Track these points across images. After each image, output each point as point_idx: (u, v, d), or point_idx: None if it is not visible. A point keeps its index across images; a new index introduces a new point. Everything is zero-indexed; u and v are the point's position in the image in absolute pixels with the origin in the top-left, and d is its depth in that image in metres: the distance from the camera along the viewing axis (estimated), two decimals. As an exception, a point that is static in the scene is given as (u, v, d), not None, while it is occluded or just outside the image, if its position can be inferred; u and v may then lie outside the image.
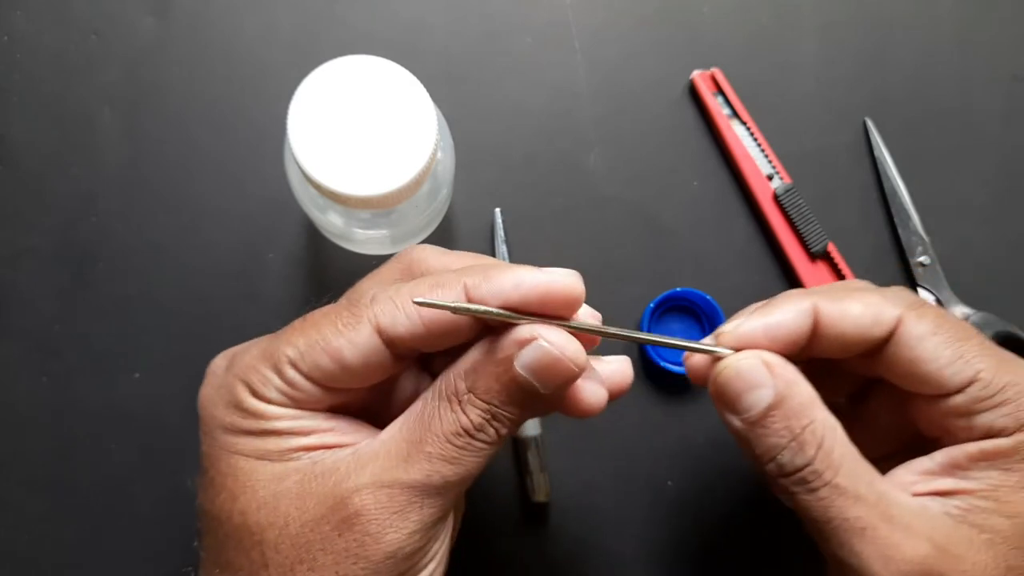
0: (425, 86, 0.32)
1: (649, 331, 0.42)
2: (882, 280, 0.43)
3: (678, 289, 0.42)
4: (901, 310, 0.28)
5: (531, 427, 0.40)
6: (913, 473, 0.29)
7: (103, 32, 0.43)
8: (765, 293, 0.43)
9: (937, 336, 0.28)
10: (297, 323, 0.28)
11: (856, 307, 0.28)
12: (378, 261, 0.41)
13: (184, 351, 0.41)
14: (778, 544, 0.41)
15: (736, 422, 0.28)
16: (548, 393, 0.27)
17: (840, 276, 0.43)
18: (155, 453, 0.40)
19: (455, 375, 0.27)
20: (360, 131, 0.31)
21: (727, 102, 0.44)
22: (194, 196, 0.42)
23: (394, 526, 0.26)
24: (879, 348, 0.29)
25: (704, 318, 0.42)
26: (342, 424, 0.28)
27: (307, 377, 0.27)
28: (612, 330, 0.28)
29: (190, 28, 0.43)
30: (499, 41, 0.44)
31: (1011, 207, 0.45)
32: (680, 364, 0.42)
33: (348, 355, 0.27)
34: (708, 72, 0.44)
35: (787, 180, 0.43)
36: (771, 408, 0.27)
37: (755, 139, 0.43)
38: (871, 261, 0.44)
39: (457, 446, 0.26)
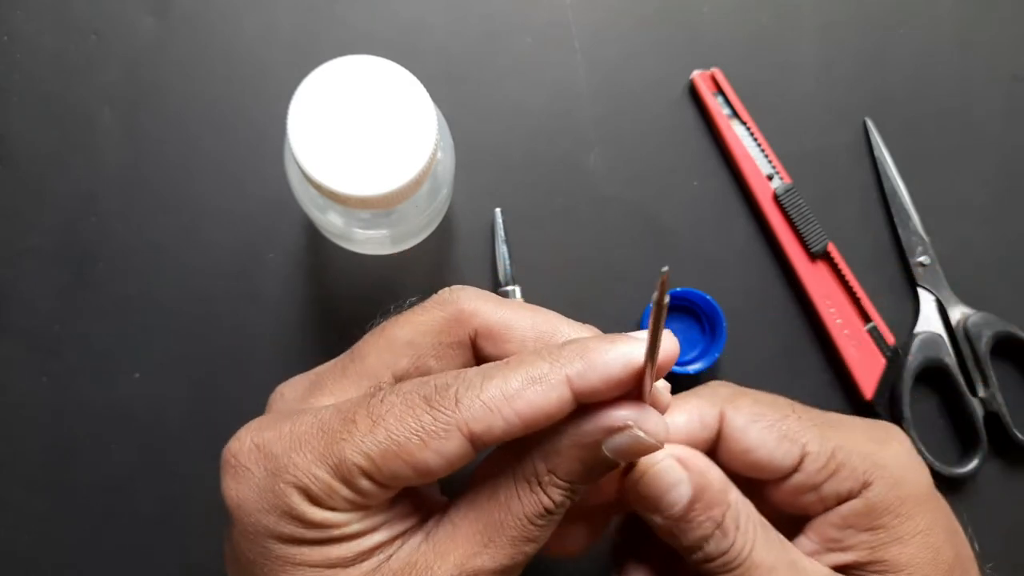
0: (425, 86, 0.32)
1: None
2: (883, 279, 0.44)
3: (678, 289, 0.42)
4: (719, 407, 0.29)
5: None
6: (808, 549, 0.29)
7: (103, 32, 0.43)
8: (764, 293, 0.43)
9: (758, 423, 0.29)
10: (360, 412, 0.25)
11: (680, 417, 0.29)
12: (378, 261, 0.41)
13: (184, 351, 0.41)
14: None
15: (659, 520, 0.28)
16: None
17: (840, 276, 0.43)
18: (155, 453, 0.40)
19: (532, 458, 0.25)
20: (360, 131, 0.31)
21: (727, 102, 0.44)
22: (194, 196, 0.42)
23: None
24: (715, 447, 0.30)
25: (704, 318, 0.42)
26: (405, 508, 0.26)
27: (382, 487, 0.24)
28: None
29: (190, 28, 0.43)
30: (499, 41, 0.44)
31: (1011, 207, 0.45)
32: (679, 364, 0.42)
33: (435, 466, 0.24)
34: (708, 72, 0.44)
35: (787, 180, 0.43)
36: (692, 502, 0.27)
37: (755, 139, 0.43)
38: (871, 261, 0.44)
39: (538, 526, 0.25)
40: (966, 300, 0.43)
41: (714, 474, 0.28)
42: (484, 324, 0.27)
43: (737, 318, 0.42)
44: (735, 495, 0.28)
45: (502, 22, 0.44)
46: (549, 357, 0.24)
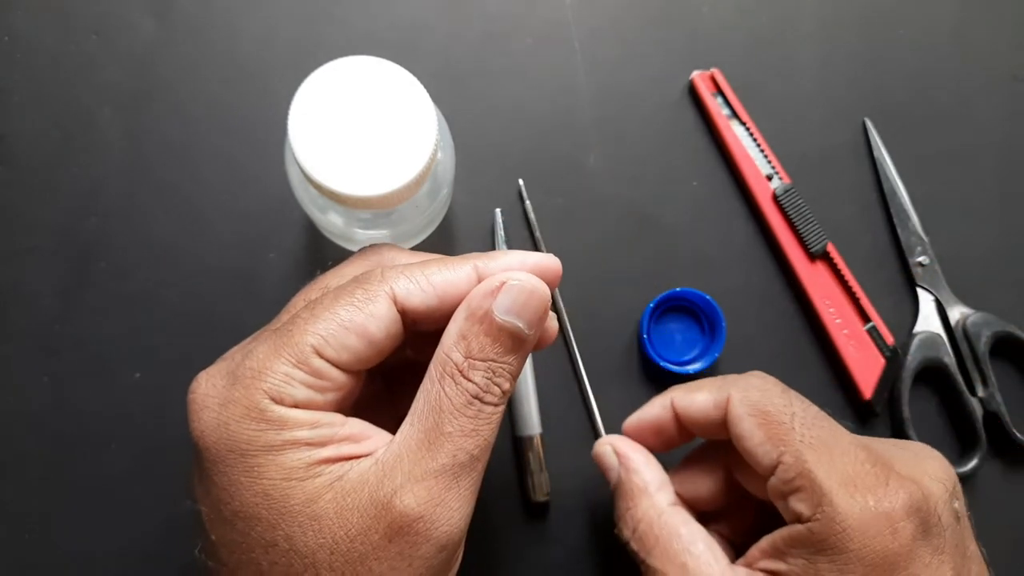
0: (425, 86, 0.32)
1: (649, 331, 0.42)
2: (882, 279, 0.44)
3: (678, 289, 0.42)
4: (730, 392, 0.32)
5: (531, 426, 0.40)
6: (758, 549, 0.31)
7: (103, 32, 0.43)
8: (764, 293, 0.43)
9: (754, 418, 0.31)
10: (301, 312, 0.28)
11: (701, 395, 0.33)
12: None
13: (184, 351, 0.41)
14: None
15: None
16: (531, 332, 0.28)
17: (840, 276, 0.43)
18: (155, 453, 0.40)
19: (446, 352, 0.27)
20: (360, 131, 0.31)
21: (726, 102, 0.44)
22: (195, 196, 0.42)
23: (441, 517, 0.26)
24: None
25: (704, 318, 0.42)
26: (353, 429, 0.28)
27: (334, 363, 0.27)
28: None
29: (190, 28, 0.43)
30: (499, 41, 0.44)
31: (1011, 207, 0.45)
32: (679, 364, 0.42)
33: (373, 329, 0.27)
34: (708, 72, 0.44)
35: (786, 180, 0.43)
36: (615, 488, 0.35)
37: (754, 139, 0.44)
38: (870, 261, 0.44)
39: (470, 416, 0.27)
40: (965, 300, 0.43)
41: (639, 477, 0.34)
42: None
43: (737, 318, 0.42)
44: (647, 502, 0.33)
45: (502, 22, 0.44)
46: (459, 257, 0.29)
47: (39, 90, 0.42)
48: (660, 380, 0.42)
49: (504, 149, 0.43)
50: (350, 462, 0.27)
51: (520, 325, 0.27)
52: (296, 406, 0.26)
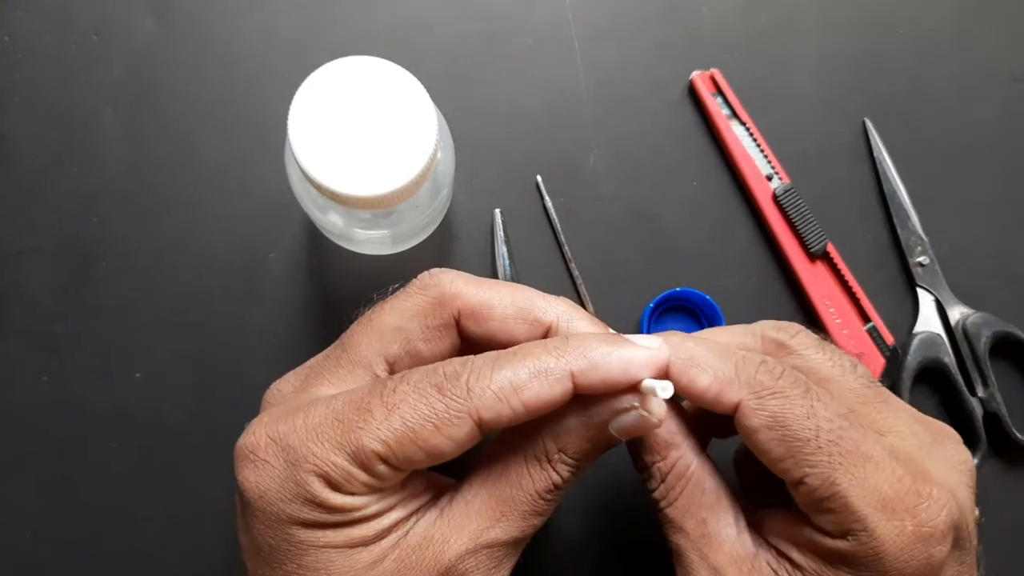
0: (425, 86, 0.32)
1: (649, 331, 0.42)
2: (882, 279, 0.44)
3: (677, 289, 0.42)
4: (743, 395, 0.27)
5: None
6: (776, 521, 0.29)
7: (103, 32, 0.43)
8: (764, 293, 0.43)
9: (771, 432, 0.27)
10: (372, 400, 0.26)
11: (703, 379, 0.28)
12: (378, 261, 0.41)
13: (184, 351, 0.41)
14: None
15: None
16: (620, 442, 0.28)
17: (839, 276, 0.43)
18: (155, 453, 0.40)
19: (544, 437, 0.27)
20: (360, 131, 0.31)
21: (726, 102, 0.44)
22: (194, 196, 0.42)
23: None
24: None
25: (704, 318, 0.42)
26: (416, 486, 0.28)
27: (396, 470, 0.26)
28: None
29: (190, 29, 0.43)
30: (499, 41, 0.44)
31: (1011, 207, 0.45)
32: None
33: (446, 450, 0.26)
34: (707, 73, 0.44)
35: (786, 180, 0.43)
36: (638, 439, 0.30)
37: (754, 139, 0.44)
38: (870, 261, 0.44)
39: (547, 500, 0.27)
40: (965, 300, 0.43)
41: (670, 423, 0.29)
42: (466, 304, 0.29)
43: (737, 318, 0.42)
44: (675, 453, 0.29)
45: (502, 22, 0.44)
46: (555, 351, 0.26)
47: (39, 90, 0.42)
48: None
49: (504, 149, 0.43)
50: (415, 516, 0.27)
51: (622, 440, 0.28)
52: (359, 495, 0.26)
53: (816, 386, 0.28)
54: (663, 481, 0.29)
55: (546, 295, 0.30)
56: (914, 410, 0.31)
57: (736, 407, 0.28)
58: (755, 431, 0.27)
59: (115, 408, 0.40)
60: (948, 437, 0.30)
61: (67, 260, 0.41)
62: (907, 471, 0.27)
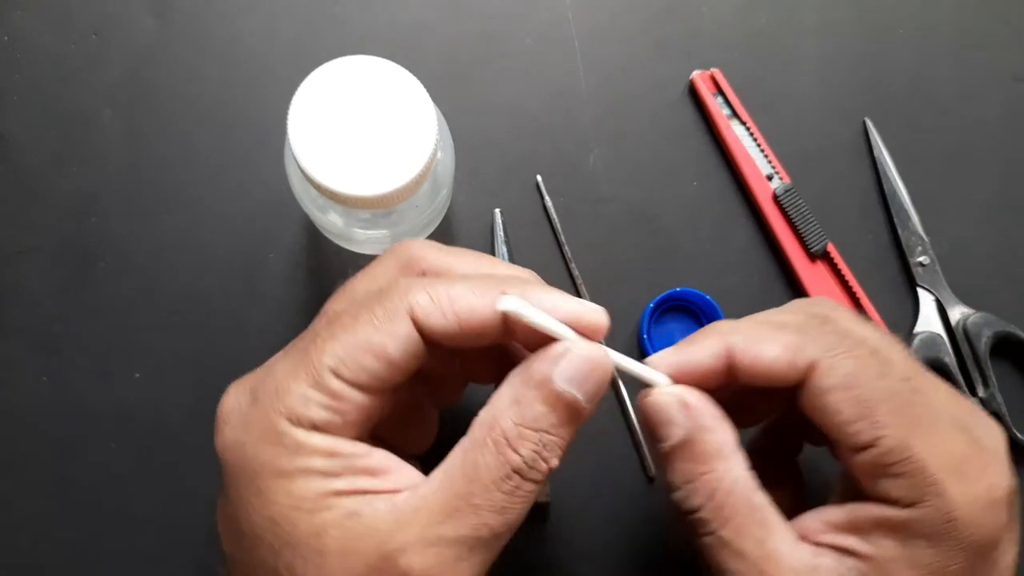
0: (425, 86, 0.32)
1: (649, 331, 0.42)
2: (882, 279, 0.44)
3: (677, 289, 0.42)
4: (817, 355, 0.27)
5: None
6: (821, 521, 0.28)
7: (103, 32, 0.43)
8: (764, 293, 0.43)
9: (847, 392, 0.26)
10: (321, 331, 0.27)
11: (772, 350, 0.28)
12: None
13: (184, 351, 0.41)
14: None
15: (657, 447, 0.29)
16: (589, 407, 0.26)
17: (840, 276, 0.43)
18: (155, 453, 0.40)
19: (494, 415, 0.26)
20: (360, 131, 0.31)
21: (727, 102, 0.44)
22: (194, 196, 0.42)
23: None
24: (800, 385, 0.28)
25: (704, 318, 0.42)
26: (374, 461, 0.27)
27: (352, 384, 0.26)
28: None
29: (190, 28, 0.43)
30: (499, 41, 0.44)
31: (1011, 207, 0.45)
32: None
33: (392, 350, 0.26)
34: (708, 72, 0.44)
35: (787, 180, 0.43)
36: (678, 447, 0.28)
37: (755, 139, 0.44)
38: (871, 261, 0.44)
39: (504, 491, 0.25)
40: (965, 300, 0.43)
41: (714, 436, 0.28)
42: (431, 267, 0.29)
43: (737, 318, 0.42)
44: (724, 465, 0.27)
45: (502, 22, 0.44)
46: (491, 278, 0.27)
47: (39, 90, 0.42)
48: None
49: (504, 149, 0.43)
50: (365, 497, 0.26)
51: (579, 397, 0.26)
52: (315, 428, 0.26)
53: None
54: (711, 498, 0.27)
55: (509, 264, 0.30)
56: (948, 385, 0.30)
57: (810, 368, 0.27)
58: (828, 391, 0.27)
59: (115, 408, 0.40)
60: (982, 412, 0.30)
61: (67, 260, 0.41)
62: (970, 441, 0.27)
